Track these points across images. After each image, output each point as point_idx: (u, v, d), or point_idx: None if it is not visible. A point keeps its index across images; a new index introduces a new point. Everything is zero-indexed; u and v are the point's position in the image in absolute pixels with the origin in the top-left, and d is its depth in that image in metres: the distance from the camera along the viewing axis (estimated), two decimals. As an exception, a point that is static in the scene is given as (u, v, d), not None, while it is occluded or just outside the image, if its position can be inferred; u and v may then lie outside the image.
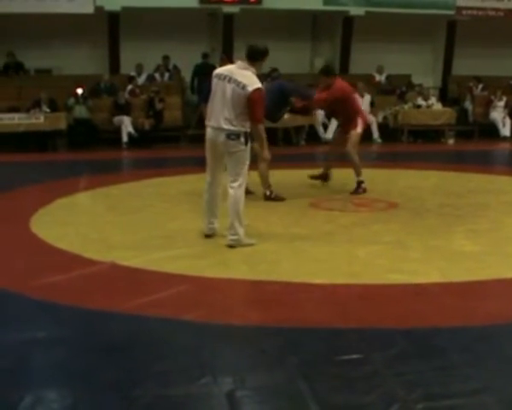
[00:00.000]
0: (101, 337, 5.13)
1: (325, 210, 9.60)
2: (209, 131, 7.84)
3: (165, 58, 21.00)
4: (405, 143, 19.24)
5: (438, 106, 20.30)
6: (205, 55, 20.81)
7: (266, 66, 20.16)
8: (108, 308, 5.67)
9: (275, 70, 20.17)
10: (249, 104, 7.58)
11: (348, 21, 22.62)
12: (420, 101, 19.99)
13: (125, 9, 20.18)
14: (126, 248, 7.64)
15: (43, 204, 10.02)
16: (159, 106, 18.62)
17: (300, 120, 17.91)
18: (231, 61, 10.21)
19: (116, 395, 4.15)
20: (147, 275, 6.58)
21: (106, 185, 11.64)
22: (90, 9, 19.76)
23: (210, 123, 7.82)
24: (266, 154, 8.40)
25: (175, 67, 21.27)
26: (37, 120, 17.14)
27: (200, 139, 18.25)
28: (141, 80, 20.67)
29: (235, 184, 7.73)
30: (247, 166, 7.81)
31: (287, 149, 17.02)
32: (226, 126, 7.62)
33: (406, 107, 19.83)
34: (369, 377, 4.33)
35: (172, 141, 18.63)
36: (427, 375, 4.33)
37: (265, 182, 10.39)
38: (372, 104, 19.90)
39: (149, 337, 5.12)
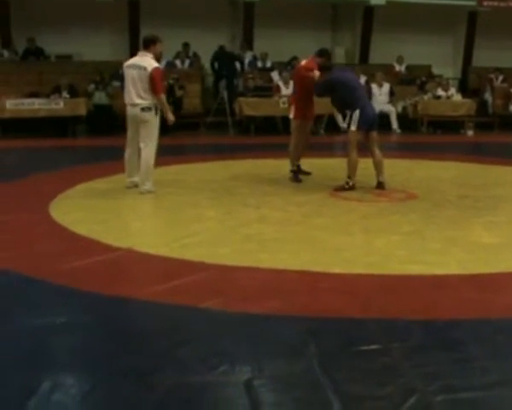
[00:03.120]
0: (121, 323, 5.15)
1: (344, 200, 9.57)
2: (128, 109, 10.09)
3: (186, 45, 21.00)
4: (425, 134, 19.18)
5: (458, 97, 20.22)
6: (221, 47, 20.81)
7: (287, 54, 20.45)
8: (128, 295, 5.67)
9: (295, 58, 20.22)
10: (149, 80, 9.74)
11: (369, 11, 22.61)
12: (440, 91, 19.91)
13: (145, -5, 20.23)
14: (145, 235, 7.68)
15: (62, 190, 10.06)
16: (179, 93, 18.62)
17: (320, 110, 17.88)
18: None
19: (135, 381, 4.16)
20: (166, 262, 6.59)
21: (124, 172, 11.68)
22: (111, -5, 19.81)
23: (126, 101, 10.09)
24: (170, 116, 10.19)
25: (195, 54, 21.27)
26: (57, 105, 17.21)
27: (218, 127, 18.58)
28: (160, 67, 20.65)
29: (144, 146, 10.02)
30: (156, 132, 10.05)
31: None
32: (139, 101, 9.86)
33: (426, 97, 19.76)
34: (388, 368, 4.33)
35: (191, 128, 18.64)
36: (445, 367, 4.32)
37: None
38: (392, 94, 19.85)
39: (168, 324, 5.12)
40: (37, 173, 11.63)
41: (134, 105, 9.95)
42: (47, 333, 4.90)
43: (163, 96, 10.00)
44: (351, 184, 10.20)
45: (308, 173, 11.38)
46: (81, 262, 6.53)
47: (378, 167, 10.41)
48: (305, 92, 10.85)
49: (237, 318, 5.22)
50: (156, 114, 9.94)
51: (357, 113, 10.11)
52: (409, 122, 19.80)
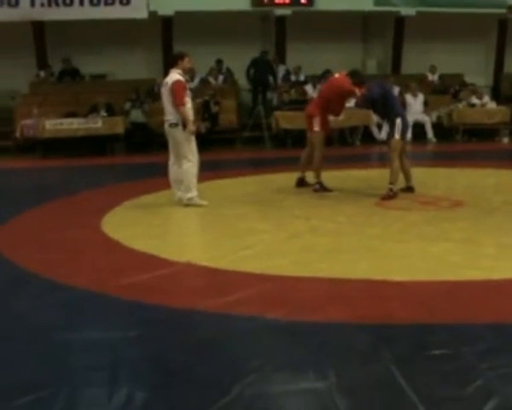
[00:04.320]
0: (192, 335, 5.20)
1: (392, 209, 9.62)
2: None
3: (219, 62, 21.15)
4: (460, 142, 19.15)
5: (492, 105, 20.17)
6: (263, 53, 20.93)
7: (320, 67, 20.53)
8: (193, 307, 5.75)
9: (327, 71, 20.30)
10: (170, 95, 10.04)
11: (399, 22, 22.60)
12: (474, 99, 19.88)
13: (178, 13, 20.39)
14: (200, 249, 7.77)
15: (110, 206, 10.21)
16: (214, 109, 18.75)
17: (355, 121, 17.98)
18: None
19: (216, 391, 4.19)
20: (226, 274, 6.67)
21: (168, 188, 11.78)
22: (143, 14, 19.99)
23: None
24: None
25: (228, 70, 21.41)
26: (96, 124, 17.40)
27: (255, 141, 18.66)
28: (194, 84, 20.84)
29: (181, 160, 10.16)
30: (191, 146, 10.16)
31: (342, 150, 17.07)
32: (167, 117, 10.23)
33: (461, 106, 19.74)
34: (464, 371, 4.37)
35: (228, 143, 18.75)
36: (522, 369, 4.37)
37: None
38: (426, 104, 19.87)
39: (238, 335, 5.19)
40: (82, 191, 11.78)
41: (165, 121, 10.37)
42: (122, 346, 4.98)
43: (184, 108, 10.06)
44: (395, 190, 10.33)
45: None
46: (142, 277, 6.62)
47: (408, 174, 10.73)
48: (334, 105, 11.04)
49: (305, 327, 5.27)
50: (184, 128, 10.09)
51: (398, 121, 10.32)
52: (443, 131, 19.78)
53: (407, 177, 10.76)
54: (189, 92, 10.32)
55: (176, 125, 10.09)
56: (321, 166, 11.17)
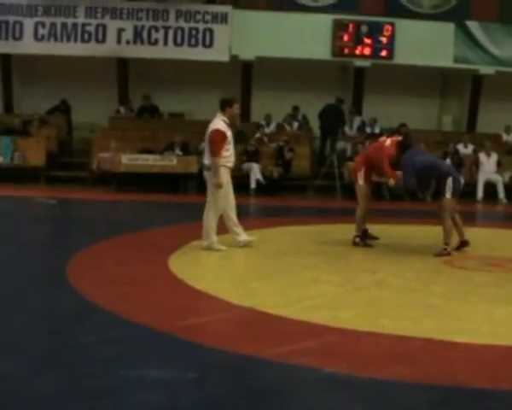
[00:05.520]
0: (251, 382, 5.20)
1: (459, 268, 9.54)
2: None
3: (296, 109, 21.33)
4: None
5: None
6: (339, 100, 21.01)
7: (395, 120, 20.56)
8: (254, 353, 5.75)
9: (403, 125, 20.34)
10: (208, 142, 10.03)
11: (477, 80, 22.55)
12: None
13: (259, 59, 20.64)
14: (265, 295, 7.77)
15: (179, 245, 10.33)
16: (288, 155, 18.90)
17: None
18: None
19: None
20: (288, 323, 6.66)
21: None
22: (225, 58, 20.32)
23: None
24: None
25: (304, 117, 21.55)
26: (171, 162, 17.69)
27: (326, 190, 18.69)
28: (269, 129, 21.05)
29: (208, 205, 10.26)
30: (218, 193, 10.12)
31: (413, 205, 16.94)
32: (205, 161, 10.18)
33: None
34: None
35: (299, 190, 18.81)
36: None
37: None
38: (499, 164, 19.73)
39: (296, 386, 5.17)
40: (154, 227, 11.94)
41: (204, 164, 10.46)
42: (179, 387, 5.00)
43: (217, 160, 9.95)
44: (448, 250, 10.30)
45: (376, 238, 11.44)
46: (205, 319, 6.69)
47: (461, 230, 10.74)
48: (374, 165, 11.08)
49: (364, 383, 5.23)
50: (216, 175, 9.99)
51: (449, 181, 10.30)
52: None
53: (460, 233, 10.75)
54: (230, 139, 10.21)
55: (209, 168, 10.13)
56: (364, 219, 11.19)
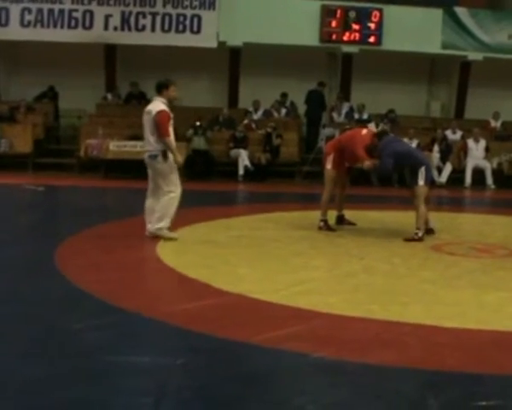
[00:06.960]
0: (239, 368, 5.21)
1: (447, 254, 9.56)
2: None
3: (284, 95, 21.30)
4: (520, 190, 18.95)
5: (555, 154, 19.97)
6: (320, 84, 21.07)
7: (384, 106, 20.59)
8: (242, 339, 5.76)
9: (391, 111, 20.35)
10: (155, 124, 9.63)
11: (466, 66, 22.52)
12: (537, 148, 19.72)
13: (247, 45, 20.58)
14: (253, 281, 7.76)
15: (166, 232, 10.27)
16: (276, 141, 18.89)
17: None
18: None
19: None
20: (277, 308, 6.67)
21: (225, 217, 11.88)
22: (213, 44, 20.27)
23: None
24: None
25: (292, 103, 21.54)
26: (158, 149, 17.56)
27: (315, 176, 18.68)
28: (257, 116, 21.02)
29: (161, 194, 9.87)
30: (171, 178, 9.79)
31: (402, 191, 16.96)
32: (146, 148, 9.90)
33: (522, 153, 19.59)
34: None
35: (287, 176, 18.80)
36: None
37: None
38: (487, 150, 19.76)
39: (283, 371, 5.20)
40: (140, 214, 11.88)
41: (145, 151, 10.09)
42: (168, 372, 5.01)
43: (169, 139, 9.69)
44: (420, 235, 10.38)
45: (353, 224, 11.54)
46: (193, 305, 6.68)
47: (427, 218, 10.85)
48: (346, 152, 11.11)
49: (352, 368, 5.23)
50: (165, 160, 9.70)
51: (423, 169, 10.51)
52: (503, 178, 19.61)
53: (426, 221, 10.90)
54: (172, 122, 9.94)
55: (155, 156, 9.73)
56: (328, 204, 11.28)
